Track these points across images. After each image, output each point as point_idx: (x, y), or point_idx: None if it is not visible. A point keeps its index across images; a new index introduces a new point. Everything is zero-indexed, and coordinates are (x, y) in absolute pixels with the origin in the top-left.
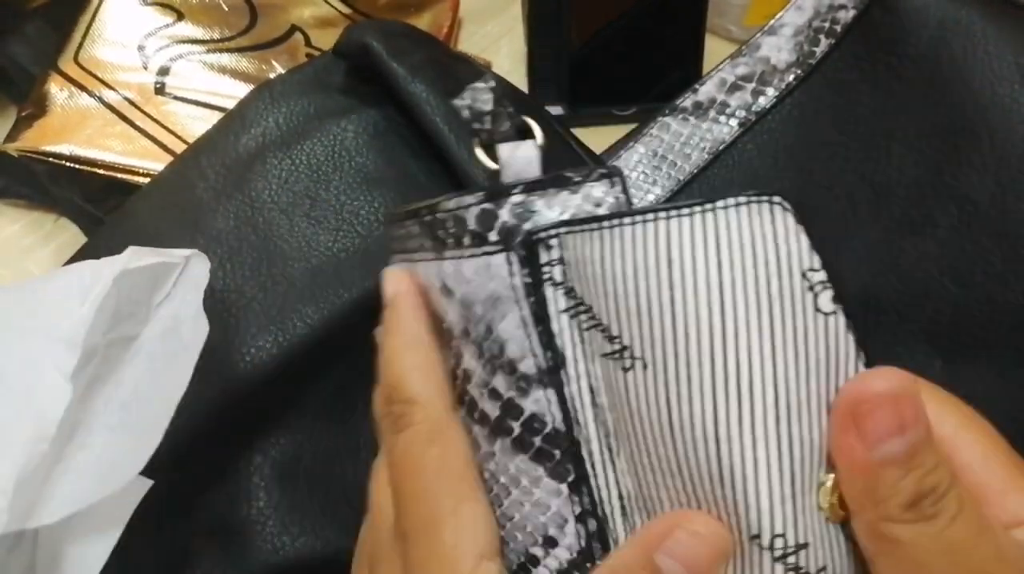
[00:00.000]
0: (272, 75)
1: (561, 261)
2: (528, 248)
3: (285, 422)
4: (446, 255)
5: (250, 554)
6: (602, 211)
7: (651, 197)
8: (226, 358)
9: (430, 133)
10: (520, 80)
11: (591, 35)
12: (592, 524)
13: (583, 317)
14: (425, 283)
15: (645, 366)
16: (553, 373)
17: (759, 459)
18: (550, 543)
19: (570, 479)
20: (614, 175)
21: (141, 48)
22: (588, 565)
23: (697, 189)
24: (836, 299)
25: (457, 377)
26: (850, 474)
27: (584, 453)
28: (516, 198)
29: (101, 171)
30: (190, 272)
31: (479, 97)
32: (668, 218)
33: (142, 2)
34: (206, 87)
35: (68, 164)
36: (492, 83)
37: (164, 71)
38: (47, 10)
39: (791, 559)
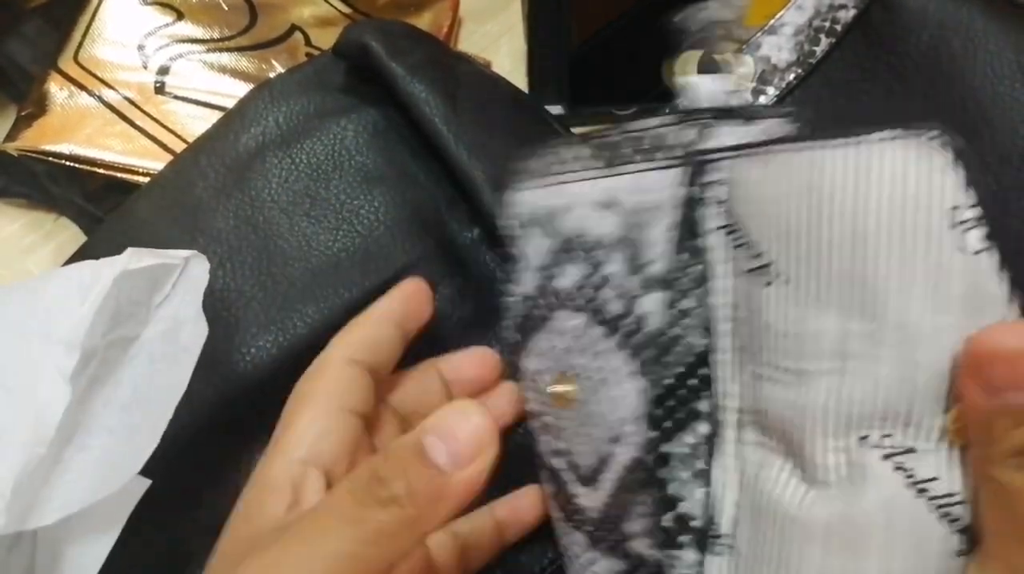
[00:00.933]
0: (272, 74)
1: (725, 182)
2: (697, 166)
3: None
4: (626, 170)
5: None
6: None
7: None
8: (226, 358)
9: (429, 133)
10: (520, 80)
11: (591, 34)
12: (705, 427)
13: (734, 235)
14: (565, 200)
15: (787, 281)
16: (669, 282)
17: (880, 375)
18: (614, 440)
19: (660, 378)
20: (796, 114)
21: (141, 47)
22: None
23: None
24: (988, 238)
25: (584, 286)
26: (969, 412)
27: (711, 359)
28: (706, 121)
29: (101, 170)
30: (189, 273)
31: (704, 15)
32: (821, 148)
33: (142, 1)
34: (206, 86)
35: (68, 163)
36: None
37: (164, 70)
38: (47, 9)
39: (899, 459)
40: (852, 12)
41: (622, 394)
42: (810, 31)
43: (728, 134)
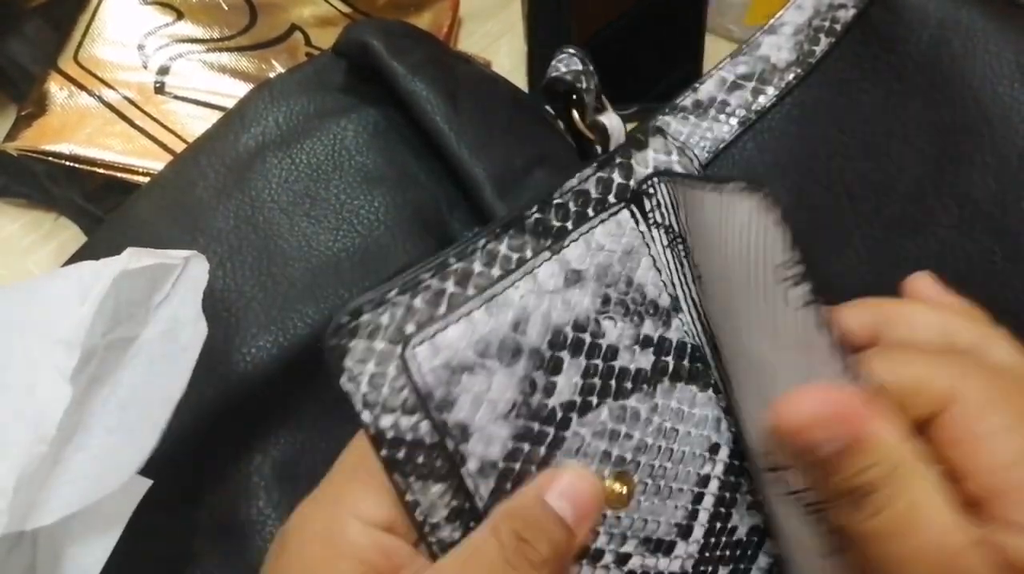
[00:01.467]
0: (272, 74)
1: (659, 205)
2: (636, 198)
3: (285, 422)
4: (568, 240)
5: (250, 554)
6: (675, 164)
7: None
8: (226, 358)
9: (430, 132)
10: (520, 80)
11: (591, 34)
12: (731, 422)
13: (680, 247)
14: (508, 316)
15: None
16: (678, 306)
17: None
18: (714, 450)
19: (713, 381)
20: (666, 135)
21: (141, 47)
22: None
23: None
24: (811, 293)
25: (590, 371)
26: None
27: (711, 359)
28: (619, 160)
29: (101, 170)
30: (189, 273)
31: (571, 65)
32: (704, 190)
33: (142, 1)
34: (206, 86)
35: (68, 163)
36: (585, 62)
37: (164, 70)
38: (47, 9)
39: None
40: (852, 11)
41: (698, 431)
42: (810, 30)
43: (638, 165)
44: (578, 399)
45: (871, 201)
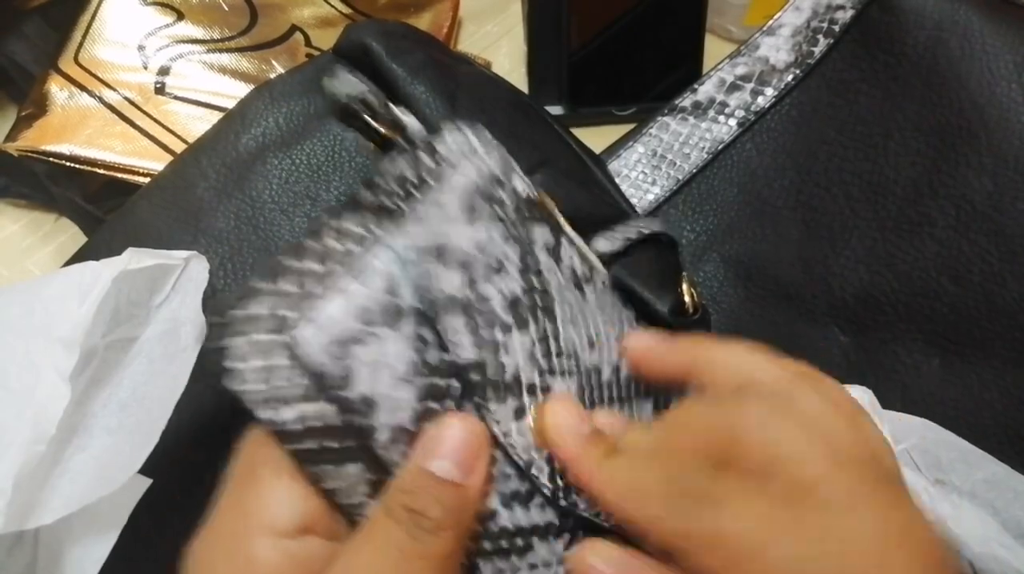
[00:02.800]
0: (272, 75)
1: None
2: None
3: None
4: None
5: None
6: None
7: (650, 196)
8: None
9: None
10: (520, 80)
11: (591, 35)
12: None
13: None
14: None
15: None
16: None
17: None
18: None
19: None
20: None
21: (141, 48)
22: None
23: (696, 188)
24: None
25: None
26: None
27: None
28: (423, 143)
29: (101, 171)
30: (189, 274)
31: (346, 87)
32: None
33: (142, 2)
34: (206, 87)
35: (68, 164)
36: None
37: (164, 71)
38: (47, 10)
39: None
40: (850, 13)
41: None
42: (808, 32)
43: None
44: (471, 339)
45: (869, 202)
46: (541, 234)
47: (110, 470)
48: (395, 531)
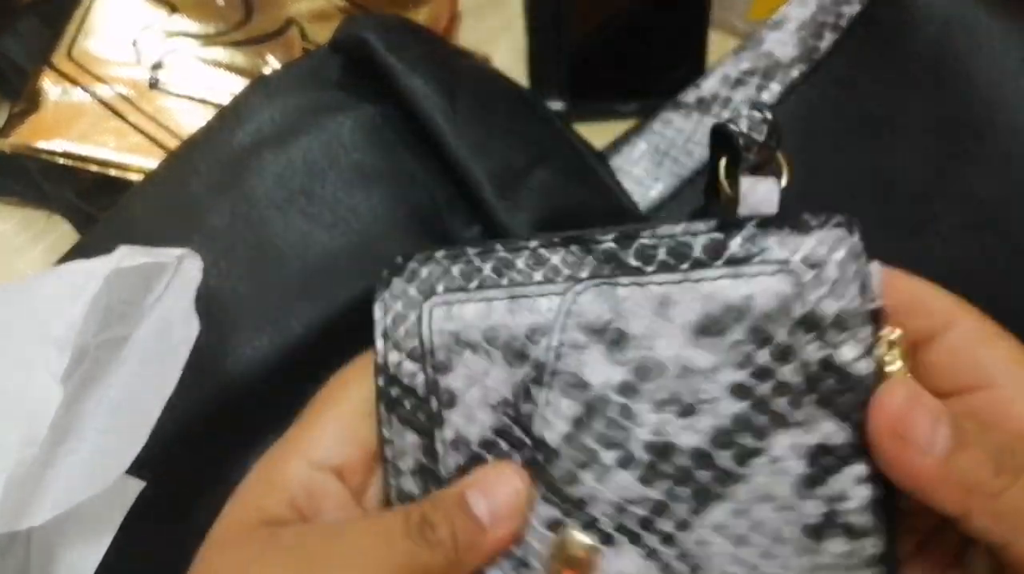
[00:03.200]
0: (267, 70)
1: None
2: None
3: (280, 421)
4: (658, 278)
5: None
6: (838, 255)
7: (653, 193)
8: (222, 357)
9: (428, 130)
10: (520, 75)
11: (592, 29)
12: None
13: None
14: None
15: None
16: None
17: None
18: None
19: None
20: (852, 223)
21: (135, 43)
22: None
23: (700, 185)
24: None
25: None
26: (934, 485)
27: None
28: (748, 231)
29: (94, 168)
30: (183, 272)
31: (755, 127)
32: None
33: None
34: (201, 82)
35: (61, 161)
36: (769, 115)
37: (158, 66)
38: (40, 5)
39: None
40: (857, 7)
41: None
42: (814, 26)
43: (777, 245)
44: (567, 431)
45: (874, 199)
46: (813, 435)
47: (101, 470)
48: (399, 524)
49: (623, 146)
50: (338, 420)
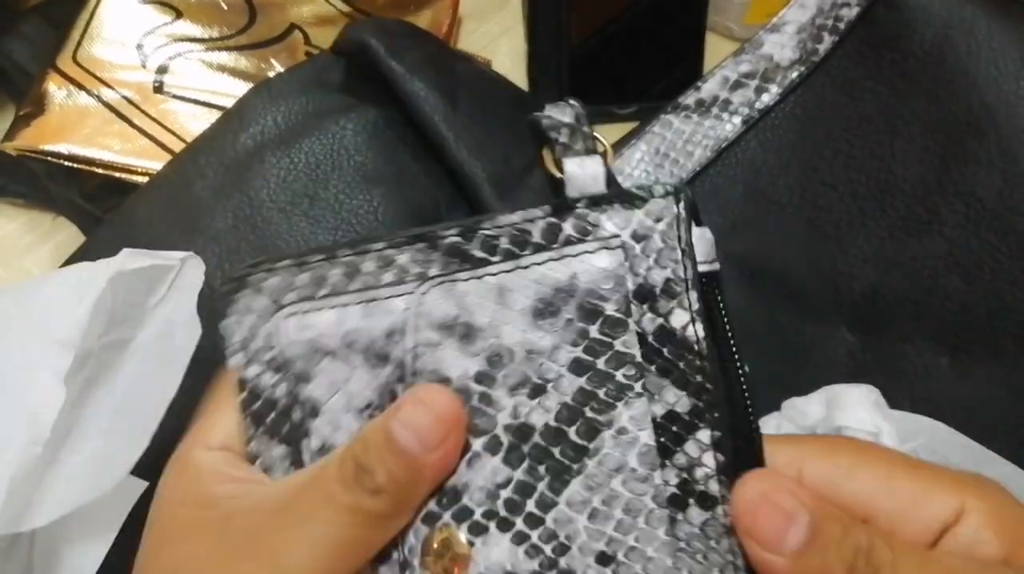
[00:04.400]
0: (271, 73)
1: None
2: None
3: None
4: (493, 269)
5: None
6: (661, 226)
7: None
8: (224, 358)
9: (428, 132)
10: (520, 78)
11: (592, 33)
12: None
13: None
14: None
15: None
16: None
17: None
18: None
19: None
20: (679, 192)
21: (140, 47)
22: None
23: (699, 187)
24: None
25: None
26: None
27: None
28: (580, 211)
29: (99, 170)
30: (185, 275)
31: (563, 111)
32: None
33: (140, 0)
34: (205, 86)
35: (66, 163)
36: (576, 104)
37: (163, 70)
38: (45, 8)
39: None
40: (855, 10)
41: None
42: (813, 29)
43: (607, 220)
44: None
45: (876, 200)
46: (658, 406)
47: (103, 472)
48: (335, 478)
49: (623, 148)
50: (218, 408)
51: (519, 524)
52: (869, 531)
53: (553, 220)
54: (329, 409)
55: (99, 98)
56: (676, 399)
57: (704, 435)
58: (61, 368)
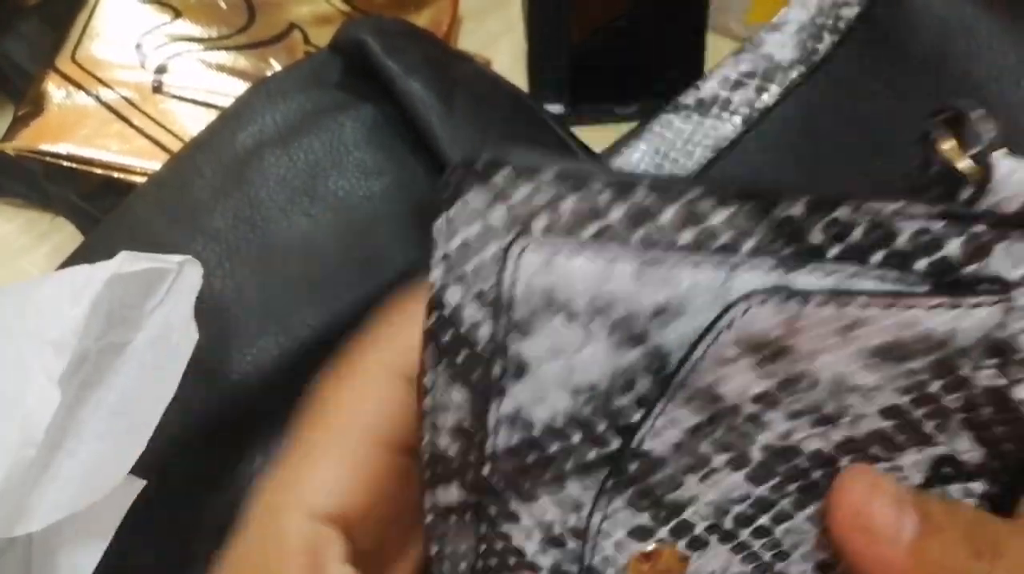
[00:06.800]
0: (270, 73)
1: None
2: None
3: (287, 424)
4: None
5: None
6: None
7: None
8: (227, 359)
9: (423, 132)
10: (520, 78)
11: (592, 32)
12: None
13: None
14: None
15: None
16: None
17: None
18: None
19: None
20: None
21: (139, 46)
22: None
23: None
24: None
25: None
26: None
27: None
28: (988, 223)
29: (98, 170)
30: (183, 278)
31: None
32: None
33: (140, 0)
34: (204, 85)
35: (65, 163)
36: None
37: (162, 69)
38: (44, 8)
39: None
40: (856, 9)
41: None
42: (813, 28)
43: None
44: (678, 440)
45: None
46: (941, 449)
47: (99, 476)
48: None
49: (623, 148)
50: (343, 455)
51: (743, 535)
52: (969, 506)
53: (987, 237)
54: (539, 375)
55: (98, 98)
56: (966, 448)
57: (977, 486)
58: (56, 370)
